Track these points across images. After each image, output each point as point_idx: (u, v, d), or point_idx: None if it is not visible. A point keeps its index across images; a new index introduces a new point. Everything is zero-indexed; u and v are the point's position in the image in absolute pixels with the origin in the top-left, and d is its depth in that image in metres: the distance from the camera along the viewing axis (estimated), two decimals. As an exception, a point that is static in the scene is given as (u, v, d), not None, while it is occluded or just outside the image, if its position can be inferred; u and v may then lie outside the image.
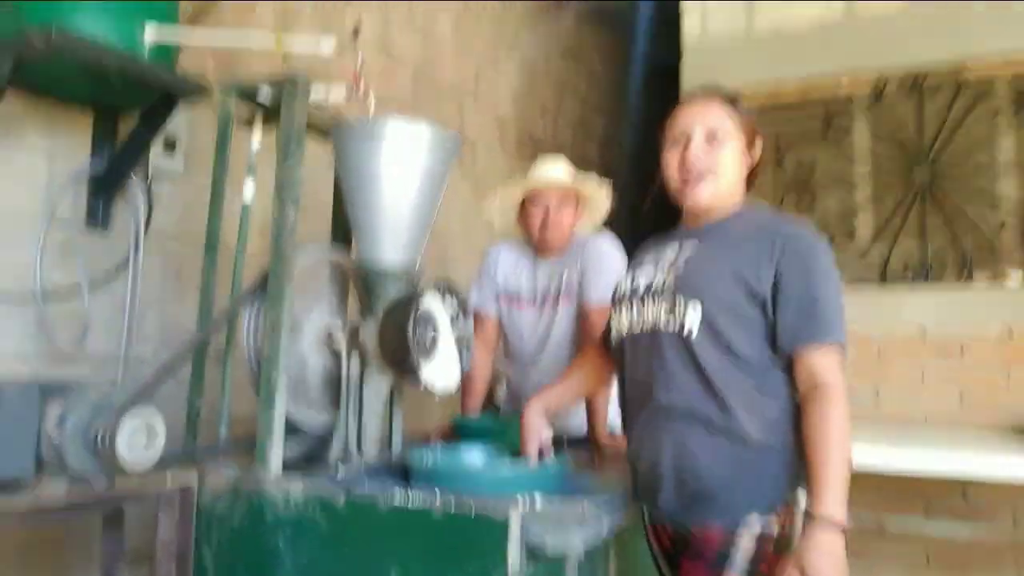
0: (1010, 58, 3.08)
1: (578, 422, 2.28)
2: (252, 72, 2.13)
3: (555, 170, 2.38)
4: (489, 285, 2.48)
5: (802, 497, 1.46)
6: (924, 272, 3.14)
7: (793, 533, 1.43)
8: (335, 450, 1.72)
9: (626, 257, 2.26)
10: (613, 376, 1.79)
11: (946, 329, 3.03)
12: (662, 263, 1.59)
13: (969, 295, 3.04)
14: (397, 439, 1.88)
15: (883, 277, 3.20)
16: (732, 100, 1.62)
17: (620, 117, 5.73)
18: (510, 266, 2.48)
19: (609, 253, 2.34)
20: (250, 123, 1.93)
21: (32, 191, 2.12)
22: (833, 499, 1.33)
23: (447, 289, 1.79)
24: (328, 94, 1.92)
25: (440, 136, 1.76)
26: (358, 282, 1.82)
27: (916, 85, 3.23)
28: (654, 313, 1.53)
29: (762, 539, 1.43)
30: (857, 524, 1.38)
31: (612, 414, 2.21)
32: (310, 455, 1.75)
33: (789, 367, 1.48)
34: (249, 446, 1.65)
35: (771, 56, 3.51)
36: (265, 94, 1.82)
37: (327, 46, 1.93)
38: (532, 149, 4.55)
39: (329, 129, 1.83)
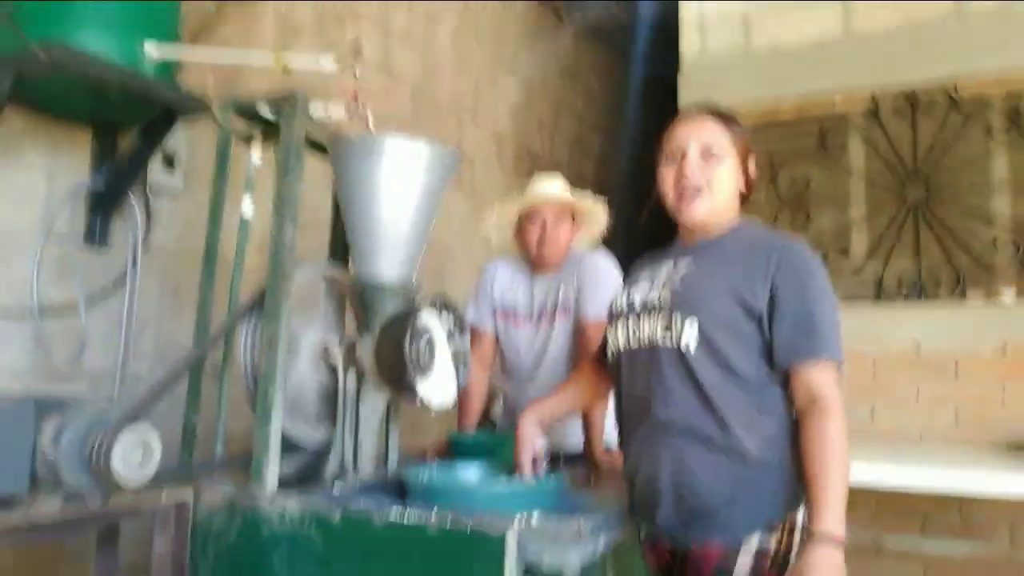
0: (1003, 76, 3.11)
1: (575, 440, 2.28)
2: (252, 89, 2.15)
3: (552, 187, 2.39)
4: (486, 301, 2.48)
5: (800, 514, 1.46)
6: (918, 289, 3.15)
7: (791, 550, 1.43)
8: (331, 467, 1.71)
9: (622, 273, 2.27)
10: (609, 391, 1.79)
11: (941, 346, 3.04)
12: (658, 279, 1.60)
13: (964, 312, 3.05)
14: (393, 456, 1.87)
15: (877, 294, 3.20)
16: (727, 117, 1.63)
17: (616, 135, 5.76)
18: (507, 282, 2.48)
19: (605, 269, 2.35)
20: (250, 140, 1.94)
21: (30, 208, 2.12)
22: (832, 515, 1.33)
23: (444, 305, 1.79)
24: (328, 111, 1.94)
25: (438, 153, 1.77)
26: (355, 298, 1.82)
27: (910, 103, 3.26)
28: (651, 329, 1.53)
29: (760, 556, 1.42)
30: (854, 542, 1.37)
31: (609, 430, 2.21)
32: (306, 471, 1.74)
33: (786, 383, 1.48)
34: (245, 463, 1.65)
35: (768, 74, 3.54)
36: (265, 111, 1.83)
37: (327, 63, 1.94)
38: (530, 166, 4.57)
39: (328, 146, 1.84)
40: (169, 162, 2.43)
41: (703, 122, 1.61)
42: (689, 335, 1.47)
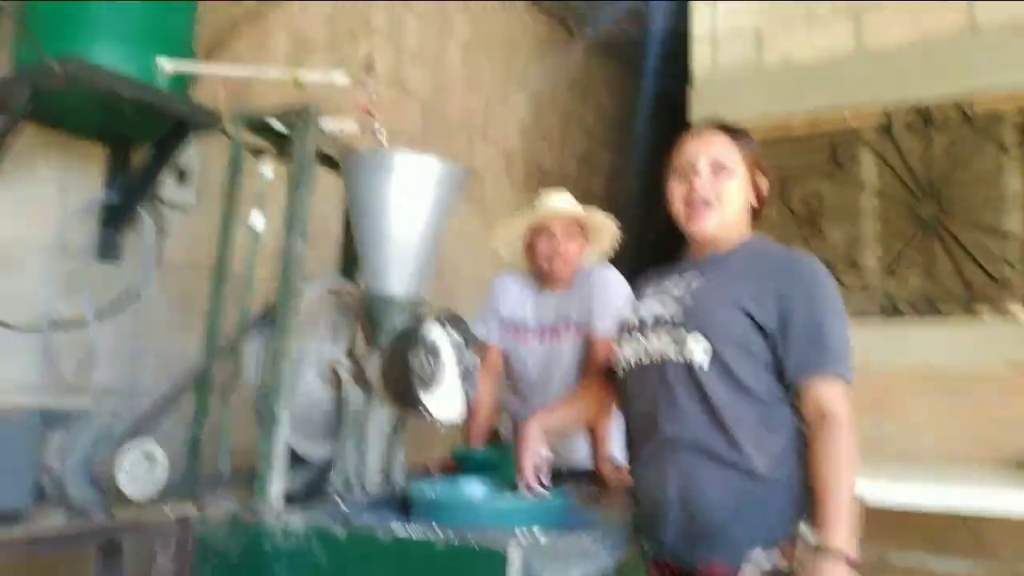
0: (1017, 92, 3.09)
1: (581, 455, 2.26)
2: (265, 104, 2.16)
3: (561, 201, 2.39)
4: (494, 316, 2.48)
5: (807, 531, 1.44)
6: (930, 306, 3.11)
7: (798, 568, 1.41)
8: (336, 482, 1.71)
9: (631, 288, 2.26)
10: (614, 407, 1.78)
11: (952, 363, 3.00)
12: (667, 295, 1.59)
13: (975, 329, 3.01)
14: (399, 471, 1.86)
15: (889, 310, 3.17)
16: (737, 132, 1.63)
17: (626, 150, 5.76)
18: (515, 297, 2.48)
19: (615, 284, 2.34)
20: (261, 154, 1.95)
21: (43, 221, 2.15)
22: (842, 531, 1.32)
23: (451, 320, 1.79)
24: (340, 126, 1.95)
25: (449, 169, 1.78)
26: (363, 313, 1.82)
27: (923, 118, 3.24)
28: (660, 345, 1.52)
29: (767, 575, 1.40)
30: (861, 559, 1.36)
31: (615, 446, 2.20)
32: (311, 486, 1.74)
33: (795, 399, 1.47)
34: (250, 478, 1.64)
35: (779, 89, 3.53)
36: (277, 124, 1.84)
37: (339, 78, 1.96)
38: (539, 181, 4.58)
39: (340, 160, 1.85)
40: (181, 176, 2.45)
41: (712, 137, 1.61)
42: (698, 351, 1.46)
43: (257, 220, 1.94)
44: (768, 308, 1.46)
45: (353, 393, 1.75)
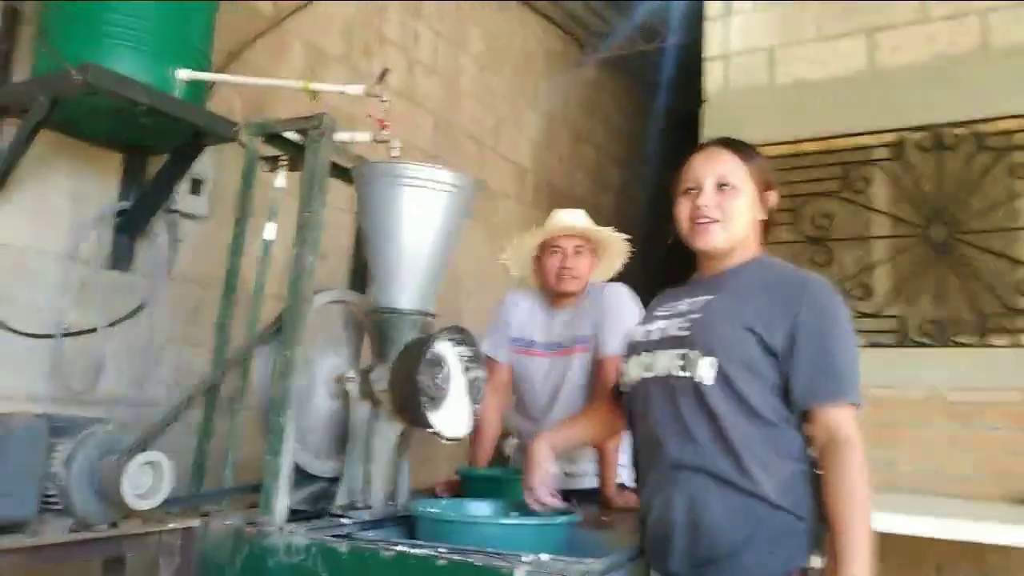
0: (1030, 117, 3.07)
1: (589, 477, 2.25)
2: (281, 115, 2.17)
3: (572, 218, 2.39)
4: (503, 333, 2.47)
5: (817, 560, 1.42)
6: (941, 333, 3.08)
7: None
8: (341, 498, 1.70)
9: (641, 307, 2.25)
10: (624, 428, 1.77)
11: (964, 392, 2.96)
12: (676, 314, 1.58)
13: (988, 357, 2.97)
14: (403, 489, 1.85)
15: (900, 337, 3.14)
16: (744, 149, 1.62)
17: (636, 167, 5.77)
18: (525, 314, 2.47)
19: (626, 302, 2.33)
20: (275, 163, 1.95)
21: (56, 230, 2.15)
22: (860, 560, 1.30)
23: (460, 336, 1.78)
24: (353, 137, 1.95)
25: (461, 181, 1.78)
26: (372, 326, 1.82)
27: (935, 141, 3.23)
28: (667, 363, 1.52)
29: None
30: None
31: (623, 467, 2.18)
32: (316, 502, 1.73)
33: (802, 423, 1.45)
34: (255, 491, 1.64)
35: (791, 109, 3.52)
36: (291, 134, 1.85)
37: (353, 88, 1.97)
38: (550, 197, 4.58)
39: (353, 171, 1.85)
40: (195, 187, 2.46)
41: (719, 155, 1.61)
42: (704, 368, 1.45)
43: (269, 231, 1.94)
44: (777, 330, 1.45)
45: (360, 408, 1.75)
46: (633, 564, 1.55)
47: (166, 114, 1.96)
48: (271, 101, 2.72)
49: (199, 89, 2.12)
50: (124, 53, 1.93)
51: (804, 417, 1.45)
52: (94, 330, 2.18)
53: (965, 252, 3.10)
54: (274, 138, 1.89)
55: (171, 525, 1.50)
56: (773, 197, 1.64)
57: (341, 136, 1.88)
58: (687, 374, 1.47)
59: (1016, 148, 3.10)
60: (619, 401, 1.74)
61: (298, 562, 1.47)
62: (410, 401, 1.65)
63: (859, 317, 3.16)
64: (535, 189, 4.60)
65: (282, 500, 1.56)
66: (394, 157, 1.92)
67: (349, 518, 1.64)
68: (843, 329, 1.47)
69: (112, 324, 2.22)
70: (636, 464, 1.64)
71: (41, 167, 2.10)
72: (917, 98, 3.29)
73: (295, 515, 1.61)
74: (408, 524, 1.71)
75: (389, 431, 1.77)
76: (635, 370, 1.60)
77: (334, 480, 1.77)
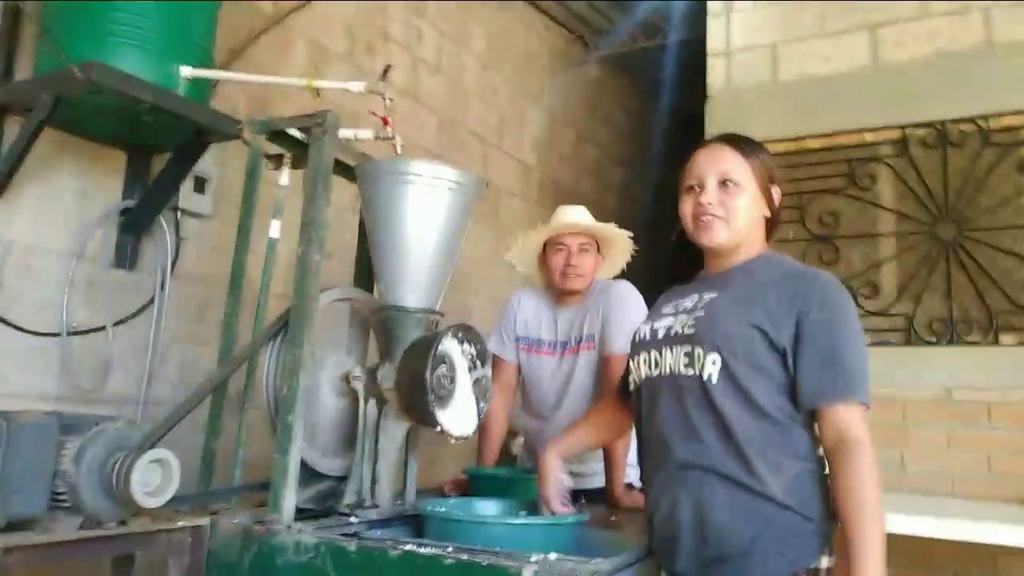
0: (1037, 112, 3.06)
1: (597, 477, 2.24)
2: (284, 113, 2.17)
3: (577, 216, 2.38)
4: (509, 331, 2.47)
5: (825, 561, 1.41)
6: (950, 331, 3.07)
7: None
8: (349, 496, 1.70)
9: (646, 304, 2.25)
10: (631, 426, 1.76)
11: (973, 391, 2.95)
12: (682, 310, 1.58)
13: (997, 356, 2.96)
14: (411, 487, 1.85)
15: (907, 336, 3.13)
16: (747, 145, 1.61)
17: (639, 166, 5.76)
18: (531, 312, 2.47)
19: (633, 300, 2.32)
20: (279, 161, 1.95)
21: (62, 229, 2.15)
22: (873, 564, 1.29)
23: (466, 334, 1.77)
24: (356, 135, 1.95)
25: (466, 179, 1.77)
26: (378, 324, 1.82)
27: (941, 138, 3.21)
28: (672, 361, 1.51)
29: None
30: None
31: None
32: (324, 500, 1.72)
33: (811, 424, 1.45)
34: (264, 490, 1.63)
35: (795, 106, 3.51)
36: (295, 132, 1.84)
37: (355, 85, 1.96)
38: (554, 195, 4.58)
39: (357, 169, 1.85)
40: (200, 185, 2.45)
41: (721, 151, 1.60)
42: (711, 367, 1.44)
43: (274, 229, 1.94)
44: (784, 327, 1.44)
45: (367, 406, 1.74)
46: (642, 564, 1.54)
47: (170, 112, 1.96)
48: (275, 99, 2.72)
49: (203, 87, 2.12)
50: (127, 51, 1.93)
51: (812, 416, 1.44)
52: (102, 328, 2.18)
53: (973, 249, 3.09)
54: (278, 136, 1.88)
55: (180, 523, 1.50)
56: (777, 191, 1.63)
57: (345, 133, 1.87)
58: (693, 372, 1.46)
59: (1022, 144, 3.09)
60: (625, 400, 1.74)
61: (307, 561, 1.47)
62: (417, 399, 1.65)
63: (866, 315, 3.15)
64: (540, 187, 4.60)
65: (290, 499, 1.56)
66: (398, 154, 1.92)
67: (357, 517, 1.63)
68: (852, 327, 1.46)
69: (118, 323, 2.22)
70: (642, 461, 1.64)
71: (45, 166, 2.10)
72: (921, 94, 3.28)
73: (303, 514, 1.61)
74: (416, 523, 1.71)
75: (396, 430, 1.77)
76: (641, 367, 1.59)
77: (342, 479, 1.77)
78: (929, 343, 3.10)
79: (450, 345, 1.72)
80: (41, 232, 2.10)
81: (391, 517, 1.71)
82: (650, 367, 1.56)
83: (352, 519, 1.62)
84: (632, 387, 1.65)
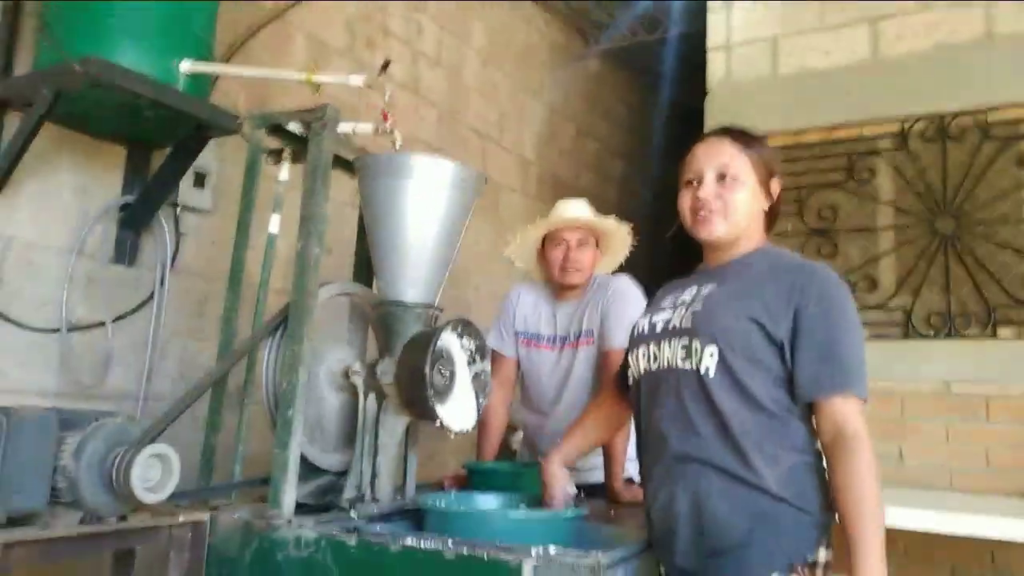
0: (1036, 106, 3.06)
1: (596, 471, 2.25)
2: (284, 107, 2.16)
3: (576, 210, 2.38)
4: (508, 326, 2.47)
5: (823, 554, 1.41)
6: (948, 325, 3.07)
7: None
8: (349, 491, 1.70)
9: (645, 298, 2.25)
10: (629, 420, 1.76)
11: (971, 384, 2.95)
12: (680, 303, 1.58)
13: (995, 349, 2.96)
14: (411, 482, 1.85)
15: (906, 329, 3.13)
16: (747, 138, 1.61)
17: (639, 160, 5.76)
18: (530, 307, 2.47)
19: (632, 295, 2.32)
20: (279, 156, 1.95)
21: (61, 224, 2.15)
22: (873, 559, 1.29)
23: (466, 329, 1.78)
24: (356, 130, 1.95)
25: (466, 174, 1.77)
26: (377, 319, 1.82)
27: (940, 131, 3.21)
28: (670, 353, 1.51)
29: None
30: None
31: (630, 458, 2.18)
32: (323, 495, 1.73)
33: (808, 417, 1.45)
34: (264, 484, 1.64)
35: (794, 99, 3.50)
36: (294, 126, 1.84)
37: (355, 79, 1.96)
38: (553, 189, 4.58)
39: (356, 163, 1.85)
40: (199, 180, 2.45)
41: (720, 145, 1.60)
42: (708, 360, 1.44)
43: (273, 224, 1.94)
44: (782, 320, 1.44)
45: (367, 401, 1.75)
46: (641, 558, 1.55)
47: (169, 107, 1.95)
48: (275, 95, 2.72)
49: (202, 83, 2.12)
50: (127, 46, 1.92)
51: (810, 408, 1.44)
52: (102, 324, 2.18)
53: (971, 243, 3.09)
54: (277, 131, 1.88)
55: (181, 518, 1.51)
56: (776, 184, 1.62)
57: (344, 127, 1.87)
58: (688, 362, 1.47)
59: (1022, 137, 3.08)
60: (623, 393, 1.74)
61: (307, 555, 1.48)
62: (416, 394, 1.65)
63: (864, 309, 3.15)
64: (539, 181, 4.59)
65: (290, 494, 1.56)
66: (397, 149, 1.92)
67: (357, 512, 1.64)
68: (850, 320, 1.45)
69: (118, 319, 2.22)
70: (640, 455, 1.64)
71: (44, 161, 2.10)
72: (921, 87, 3.27)
73: (303, 509, 1.62)
74: (416, 517, 1.71)
75: (396, 424, 1.77)
76: (639, 361, 1.59)
77: (341, 474, 1.77)
78: (927, 337, 3.10)
79: (449, 340, 1.72)
80: (41, 228, 2.10)
81: (391, 512, 1.72)
82: (648, 361, 1.56)
83: (352, 514, 1.63)
84: (631, 381, 1.65)
